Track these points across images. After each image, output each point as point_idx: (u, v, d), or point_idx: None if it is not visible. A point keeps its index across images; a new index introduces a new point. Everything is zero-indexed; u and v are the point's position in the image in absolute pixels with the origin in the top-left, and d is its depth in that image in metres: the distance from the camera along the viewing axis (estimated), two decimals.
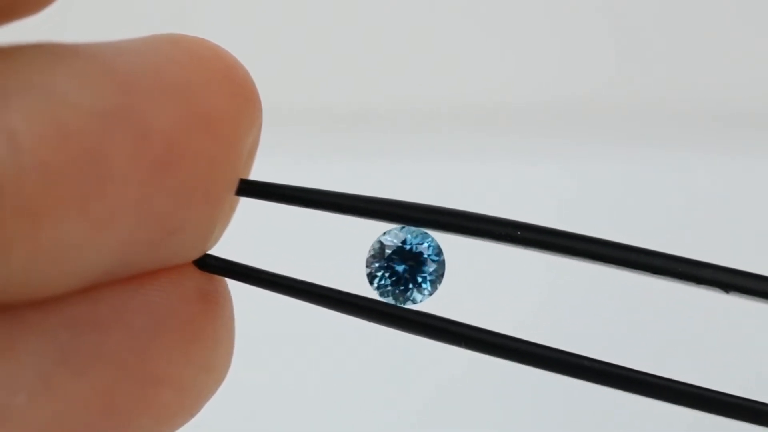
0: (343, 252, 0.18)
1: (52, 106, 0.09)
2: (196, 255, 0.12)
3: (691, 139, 0.48)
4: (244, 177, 0.12)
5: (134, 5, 0.49)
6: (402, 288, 0.12)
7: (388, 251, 0.12)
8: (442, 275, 0.12)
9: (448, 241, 0.13)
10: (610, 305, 0.37)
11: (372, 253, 0.12)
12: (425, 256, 0.12)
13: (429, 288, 0.12)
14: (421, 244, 0.12)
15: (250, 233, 0.16)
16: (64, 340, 0.10)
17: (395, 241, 0.12)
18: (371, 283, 0.12)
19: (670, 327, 0.37)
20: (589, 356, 0.12)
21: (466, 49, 0.51)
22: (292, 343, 0.35)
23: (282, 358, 0.35)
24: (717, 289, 0.11)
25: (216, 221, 0.11)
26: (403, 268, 0.12)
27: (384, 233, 0.12)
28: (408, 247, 0.12)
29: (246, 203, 0.13)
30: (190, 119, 0.10)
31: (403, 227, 0.12)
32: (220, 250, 0.12)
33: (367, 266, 0.12)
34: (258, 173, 0.13)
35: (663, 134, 0.48)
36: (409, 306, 0.12)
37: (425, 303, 0.12)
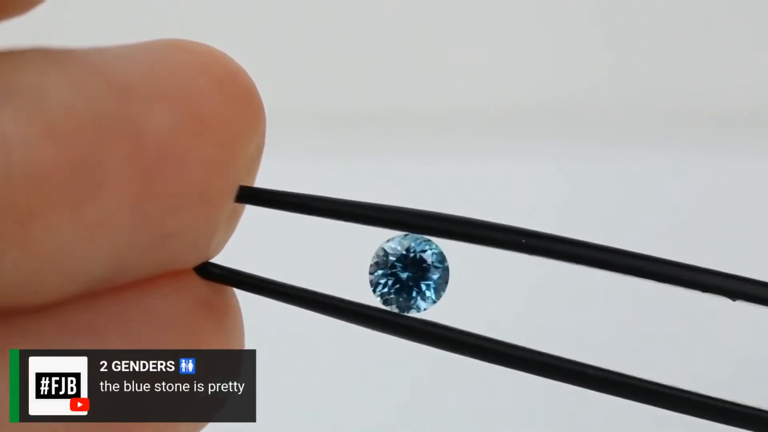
0: (345, 258, 0.18)
1: (43, 110, 0.09)
2: (197, 260, 0.11)
3: (688, 140, 0.48)
4: (246, 184, 0.12)
5: (135, 6, 0.48)
6: (406, 295, 0.12)
7: (392, 258, 0.12)
8: (446, 282, 0.12)
9: (451, 249, 0.13)
10: (619, 314, 0.37)
11: (375, 260, 0.12)
12: (429, 263, 0.12)
13: (433, 296, 0.12)
14: (425, 251, 0.12)
15: (251, 239, 0.16)
16: (63, 347, 0.10)
17: (399, 248, 0.12)
18: (374, 290, 0.12)
19: (665, 328, 0.37)
20: (594, 365, 0.12)
21: (463, 51, 0.51)
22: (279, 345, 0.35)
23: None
24: (724, 296, 0.11)
25: (216, 226, 0.11)
26: (407, 276, 0.12)
27: (387, 240, 0.12)
28: (411, 254, 0.12)
29: (249, 210, 0.12)
30: (186, 124, 0.10)
31: (406, 234, 0.12)
32: (223, 254, 0.12)
33: (370, 273, 0.12)
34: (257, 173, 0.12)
35: (660, 135, 0.48)
36: (413, 314, 0.12)
37: (429, 311, 0.12)
